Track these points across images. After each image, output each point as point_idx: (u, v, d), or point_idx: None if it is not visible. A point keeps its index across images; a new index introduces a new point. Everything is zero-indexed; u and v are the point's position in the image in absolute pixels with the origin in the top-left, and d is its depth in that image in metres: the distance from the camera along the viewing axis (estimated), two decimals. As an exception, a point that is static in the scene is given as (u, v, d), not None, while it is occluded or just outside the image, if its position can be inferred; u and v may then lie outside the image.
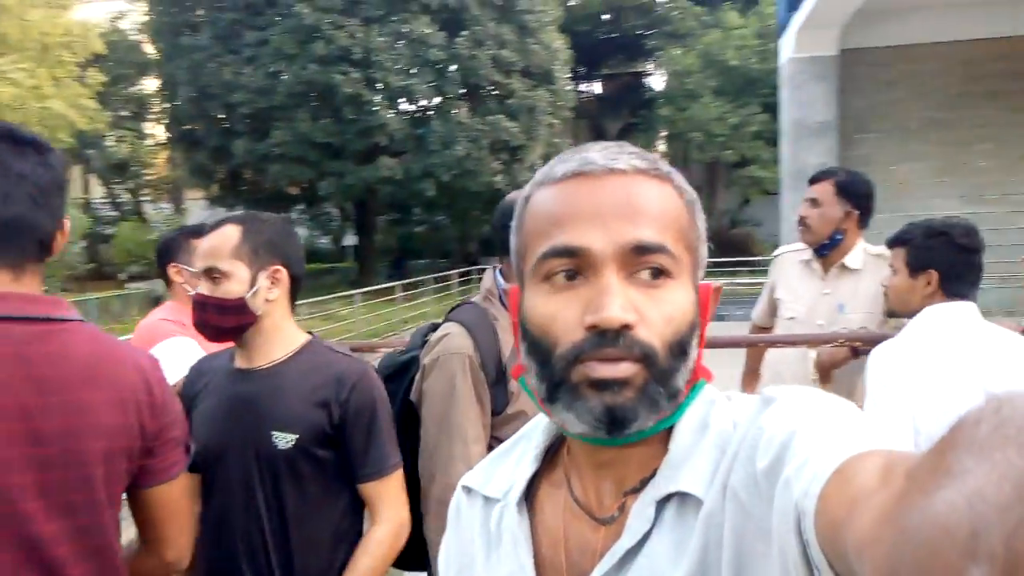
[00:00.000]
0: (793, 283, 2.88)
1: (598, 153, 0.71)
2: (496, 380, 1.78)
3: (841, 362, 2.58)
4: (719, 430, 0.70)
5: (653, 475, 0.71)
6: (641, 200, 0.68)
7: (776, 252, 3.06)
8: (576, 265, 0.68)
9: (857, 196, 2.73)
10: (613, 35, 30.45)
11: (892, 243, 2.25)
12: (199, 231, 2.45)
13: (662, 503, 0.69)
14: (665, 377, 0.67)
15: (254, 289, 1.66)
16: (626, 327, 0.65)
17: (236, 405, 1.68)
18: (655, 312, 0.67)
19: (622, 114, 31.15)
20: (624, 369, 0.65)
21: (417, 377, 1.84)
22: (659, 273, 0.67)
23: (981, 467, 0.34)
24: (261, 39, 20.41)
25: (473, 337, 1.77)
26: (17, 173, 1.20)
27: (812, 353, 2.64)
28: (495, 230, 1.82)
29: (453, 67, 21.07)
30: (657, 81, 30.92)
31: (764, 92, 23.25)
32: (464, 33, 20.78)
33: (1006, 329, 2.03)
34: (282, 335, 1.73)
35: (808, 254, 2.85)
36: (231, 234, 1.67)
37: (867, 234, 2.83)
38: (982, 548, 0.31)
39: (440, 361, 1.77)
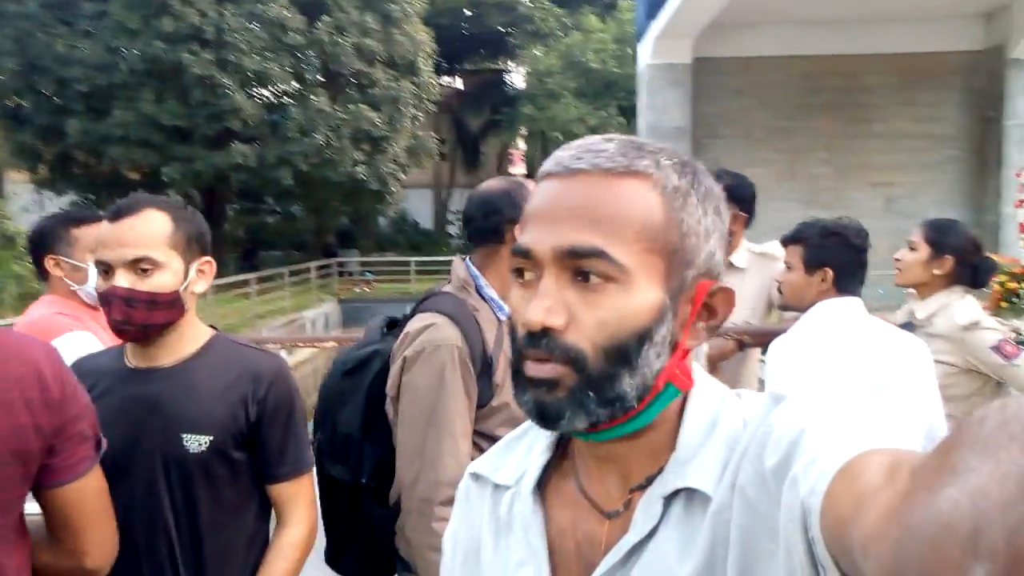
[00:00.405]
0: None
1: (570, 152, 0.71)
2: (481, 372, 1.72)
3: (728, 354, 2.73)
4: (729, 428, 0.70)
5: (660, 472, 0.71)
6: (591, 202, 0.68)
7: None
8: (528, 265, 0.70)
9: (744, 199, 2.83)
10: (475, 31, 30.54)
11: (788, 241, 2.35)
12: (81, 219, 2.26)
13: (669, 499, 0.69)
14: (597, 382, 0.67)
15: (187, 282, 1.54)
16: (549, 329, 0.66)
17: (136, 408, 1.52)
18: (588, 317, 0.67)
19: (484, 110, 31.32)
20: (549, 370, 0.67)
21: (394, 371, 1.72)
22: (598, 277, 0.67)
23: (985, 465, 0.35)
24: (99, 11, 18.93)
25: (460, 328, 1.69)
26: None
27: (704, 347, 2.73)
28: (471, 220, 1.80)
29: (313, 53, 20.40)
30: (519, 79, 31.31)
31: (621, 95, 24.08)
32: (325, 19, 20.16)
33: (886, 323, 2.16)
34: (192, 331, 1.60)
35: None
36: (160, 221, 1.51)
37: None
38: (984, 545, 0.32)
39: (426, 353, 1.67)
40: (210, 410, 1.53)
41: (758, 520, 0.61)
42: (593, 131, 24.20)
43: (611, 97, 24.63)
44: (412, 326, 1.72)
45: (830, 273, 2.21)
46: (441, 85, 27.49)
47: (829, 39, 10.79)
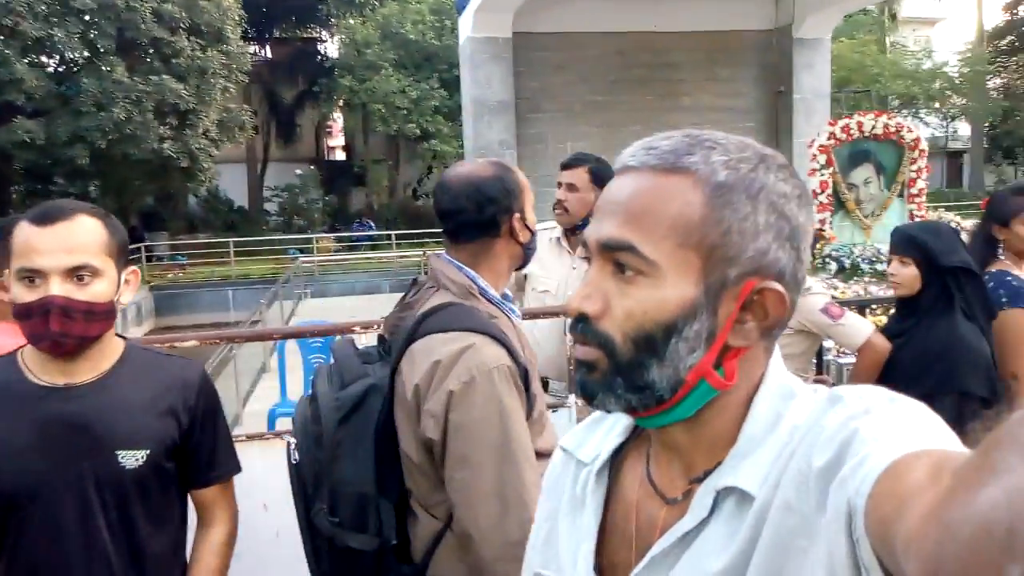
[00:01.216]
0: (545, 259, 3.10)
1: (632, 148, 0.75)
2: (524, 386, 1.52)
3: None
4: (788, 427, 0.69)
5: (718, 465, 0.72)
6: (630, 198, 0.72)
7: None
8: (589, 254, 0.75)
9: (608, 181, 3.00)
10: (284, -3, 29.16)
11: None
12: None
13: (721, 494, 0.70)
14: (626, 368, 0.70)
15: (120, 292, 1.46)
16: (585, 315, 0.72)
17: (58, 430, 1.41)
18: (619, 306, 0.71)
19: (297, 82, 30.09)
20: (585, 352, 0.73)
21: (435, 409, 1.43)
22: (631, 270, 0.70)
23: None
24: None
25: (503, 344, 1.46)
26: None
27: (569, 321, 2.89)
28: (460, 211, 1.56)
29: (105, 18, 18.63)
30: (333, 49, 30.31)
31: (442, 68, 23.99)
32: (117, -19, 18.48)
33: None
34: (112, 343, 1.51)
35: (558, 232, 3.12)
36: (95, 227, 1.41)
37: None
38: (1020, 546, 0.32)
39: (478, 383, 1.41)
40: (144, 423, 1.49)
41: (793, 519, 0.62)
42: (415, 104, 24.02)
43: (432, 69, 24.47)
44: (440, 351, 1.44)
45: None
46: (251, 55, 26.05)
47: (640, 16, 11.33)
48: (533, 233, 1.64)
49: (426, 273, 1.67)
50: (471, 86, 11.48)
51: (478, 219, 1.56)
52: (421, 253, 19.79)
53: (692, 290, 0.69)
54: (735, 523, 0.68)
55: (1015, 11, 30.10)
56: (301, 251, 22.71)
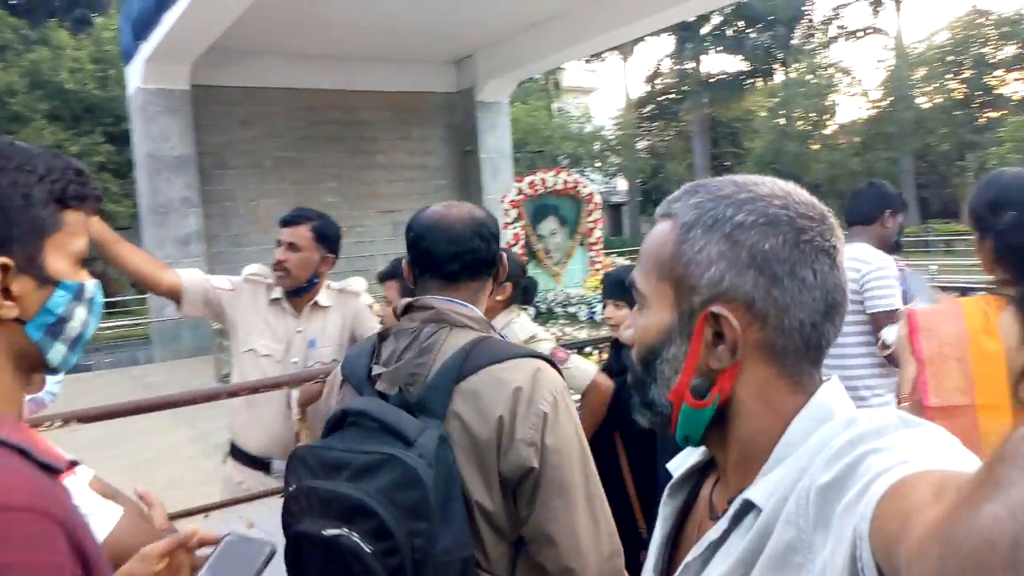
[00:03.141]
0: (268, 319, 2.79)
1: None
2: None
3: (316, 396, 2.59)
4: (811, 446, 0.70)
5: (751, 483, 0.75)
6: (643, 243, 0.83)
7: (246, 272, 2.87)
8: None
9: (332, 240, 2.77)
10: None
11: (385, 277, 2.41)
12: None
13: (742, 506, 0.72)
14: (638, 387, 0.81)
15: None
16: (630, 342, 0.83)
17: None
18: (634, 334, 0.82)
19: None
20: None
21: (528, 436, 1.35)
22: (639, 302, 0.82)
23: None
24: None
25: (556, 369, 1.46)
26: None
27: (295, 393, 2.58)
28: (471, 251, 1.49)
29: None
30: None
31: (107, 121, 21.75)
32: None
33: None
34: None
35: (279, 292, 2.79)
36: None
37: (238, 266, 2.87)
38: (1023, 560, 0.33)
39: (559, 404, 1.39)
40: None
41: (790, 532, 0.64)
42: (79, 158, 21.42)
43: (95, 123, 22.09)
44: (515, 378, 1.38)
45: (510, 288, 2.30)
46: None
47: (329, 74, 11.21)
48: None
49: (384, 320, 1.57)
50: (144, 140, 10.46)
51: (486, 257, 1.52)
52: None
53: (668, 317, 0.77)
54: (747, 534, 0.71)
55: (654, 83, 35.10)
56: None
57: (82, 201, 0.85)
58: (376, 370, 1.45)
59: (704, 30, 29.74)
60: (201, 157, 10.55)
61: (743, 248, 0.73)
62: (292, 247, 2.69)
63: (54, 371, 0.88)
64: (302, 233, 2.70)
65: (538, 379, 1.39)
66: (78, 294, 0.86)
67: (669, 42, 31.62)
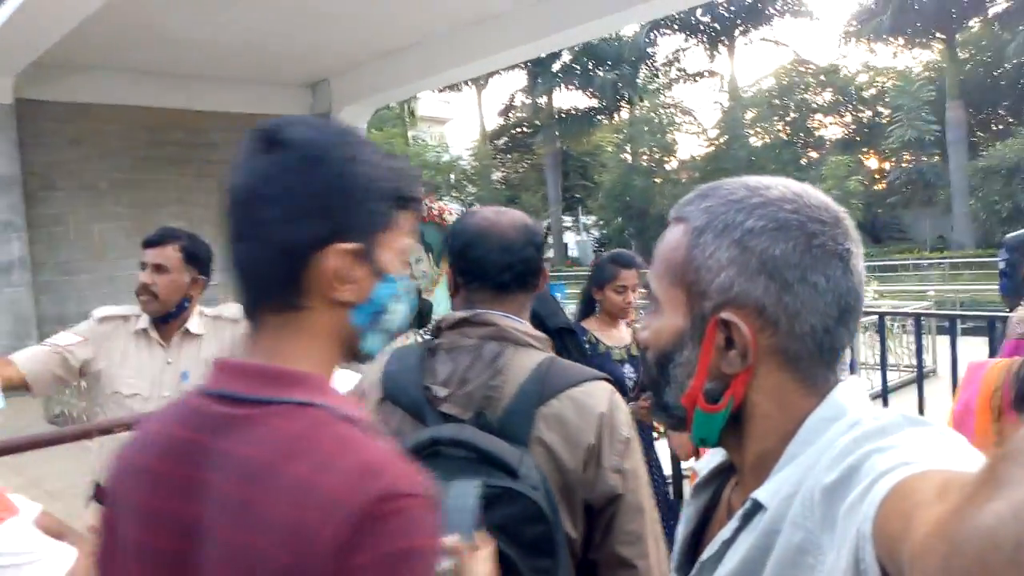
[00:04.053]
0: (130, 356, 2.54)
1: None
2: None
3: None
4: (819, 445, 0.70)
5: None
6: (657, 247, 0.83)
7: (98, 315, 2.61)
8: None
9: (203, 261, 2.60)
10: None
11: None
12: None
13: (751, 506, 0.73)
14: (654, 388, 0.82)
15: None
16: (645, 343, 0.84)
17: None
18: (647, 336, 0.83)
19: None
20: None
21: (618, 462, 1.33)
22: (652, 305, 0.82)
23: None
24: None
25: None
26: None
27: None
28: (526, 260, 1.42)
29: None
30: None
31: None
32: None
33: None
34: None
35: (144, 322, 2.55)
36: None
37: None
38: None
39: (632, 426, 1.38)
40: None
41: (799, 535, 0.65)
42: None
43: None
44: (598, 403, 1.34)
45: None
46: None
47: (172, 92, 10.65)
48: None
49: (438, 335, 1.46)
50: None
51: (537, 267, 1.46)
52: None
53: (681, 322, 0.78)
54: (752, 535, 0.72)
55: (508, 116, 35.89)
56: None
57: (415, 203, 0.89)
58: (437, 391, 1.35)
59: (555, 66, 30.80)
60: (26, 177, 9.69)
61: (753, 254, 0.74)
62: (159, 269, 2.49)
63: (363, 359, 0.92)
64: (169, 253, 2.51)
65: (614, 403, 1.36)
66: (400, 290, 0.89)
67: (522, 76, 32.50)
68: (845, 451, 0.62)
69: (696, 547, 0.88)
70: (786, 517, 0.68)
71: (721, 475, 0.91)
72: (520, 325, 1.43)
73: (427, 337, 1.51)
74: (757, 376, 0.75)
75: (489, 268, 1.42)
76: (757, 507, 0.72)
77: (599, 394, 1.35)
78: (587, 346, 3.02)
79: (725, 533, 0.76)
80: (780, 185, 0.77)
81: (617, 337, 3.19)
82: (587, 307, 3.26)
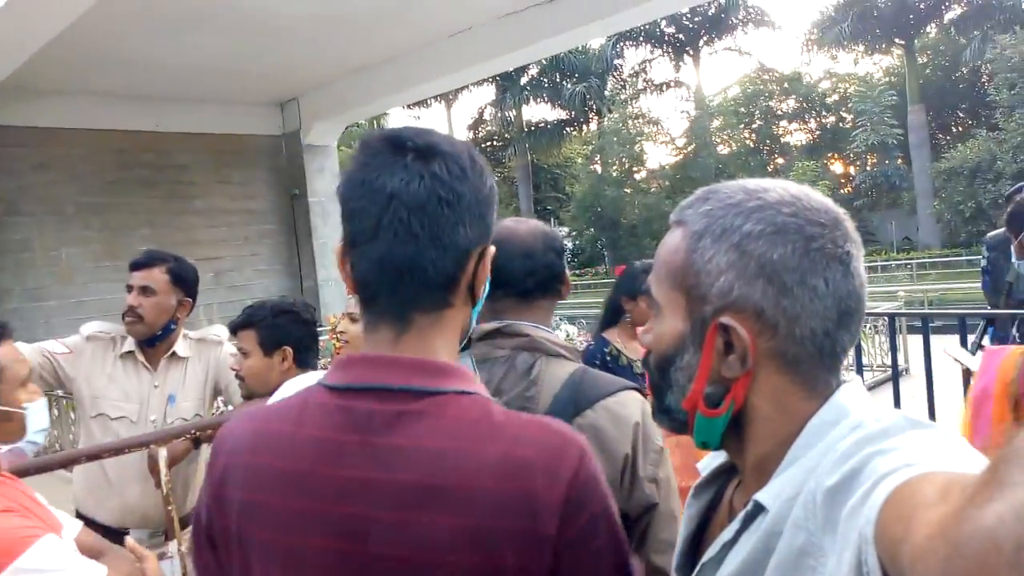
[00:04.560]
0: (118, 379, 2.53)
1: None
2: None
3: (182, 455, 2.42)
4: (820, 447, 0.70)
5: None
6: (658, 250, 0.84)
7: (86, 332, 2.60)
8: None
9: (189, 283, 2.60)
10: None
11: (238, 327, 2.23)
12: None
13: (752, 507, 0.73)
14: (655, 392, 0.83)
15: None
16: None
17: None
18: (649, 339, 0.84)
19: None
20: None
21: (653, 472, 1.35)
22: (653, 309, 0.82)
23: None
24: None
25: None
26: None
27: (163, 451, 2.32)
28: (549, 266, 1.45)
29: None
30: None
31: None
32: None
33: None
34: None
35: (130, 344, 2.54)
36: None
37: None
38: None
39: (663, 435, 1.39)
40: None
41: (801, 537, 0.65)
42: None
43: None
44: (632, 413, 1.35)
45: (289, 351, 2.20)
46: None
47: (139, 115, 10.54)
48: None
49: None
50: (-80, 185, 9.32)
51: (559, 272, 1.48)
52: None
53: (681, 326, 0.78)
54: (754, 537, 0.72)
55: (478, 131, 36.00)
56: None
57: None
58: None
59: (523, 80, 30.98)
60: (-7, 202, 9.54)
61: (751, 258, 0.73)
62: (146, 291, 2.48)
63: (464, 348, 0.98)
64: (157, 276, 2.50)
65: (647, 413, 1.35)
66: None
67: (491, 91, 32.64)
68: (847, 454, 0.62)
69: (697, 548, 0.87)
70: (787, 519, 0.67)
71: (722, 476, 0.90)
72: (550, 335, 1.44)
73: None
74: (757, 380, 0.75)
75: (512, 275, 1.41)
76: (759, 509, 0.72)
77: (632, 404, 1.36)
78: (608, 358, 2.94)
79: (726, 535, 0.76)
80: (779, 188, 0.77)
81: (641, 350, 3.14)
82: (613, 317, 3.08)
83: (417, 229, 0.85)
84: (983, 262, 3.14)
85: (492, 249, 0.93)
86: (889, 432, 0.61)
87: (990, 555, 0.35)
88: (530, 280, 1.43)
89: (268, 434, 0.87)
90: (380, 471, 0.81)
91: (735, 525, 0.75)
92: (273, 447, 0.85)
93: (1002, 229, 3.38)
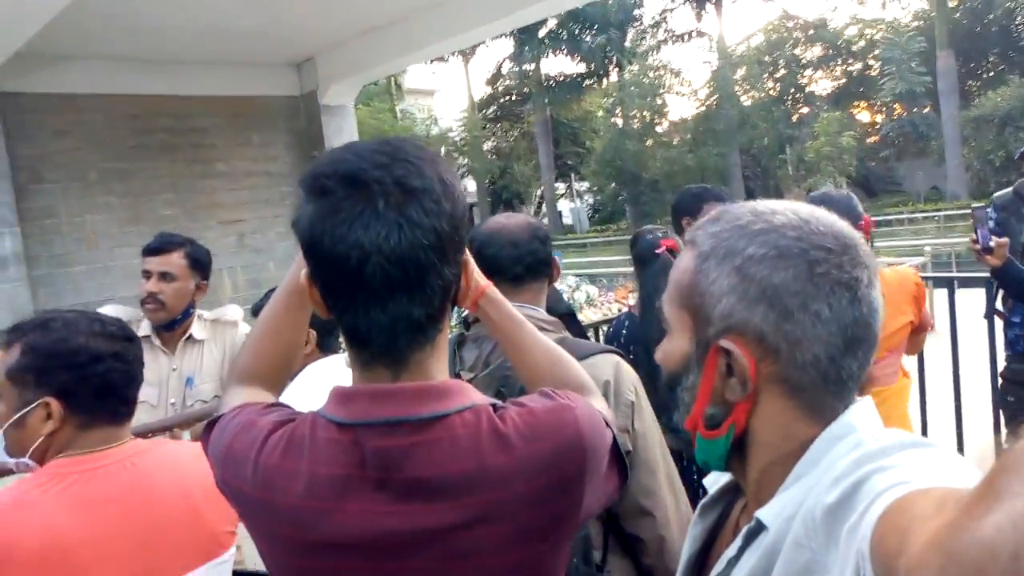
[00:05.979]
0: None
1: None
2: None
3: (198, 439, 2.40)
4: (823, 467, 0.70)
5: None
6: (672, 269, 0.83)
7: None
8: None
9: (205, 265, 2.62)
10: None
11: (259, 310, 2.22)
12: None
13: (755, 527, 0.73)
14: (664, 410, 0.84)
15: None
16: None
17: None
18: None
19: None
20: None
21: (623, 423, 1.50)
22: (666, 327, 0.82)
23: None
24: None
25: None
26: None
27: (187, 435, 2.38)
28: (532, 252, 1.63)
29: None
30: None
31: None
32: None
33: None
34: None
35: (146, 329, 2.54)
36: None
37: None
38: None
39: (640, 392, 1.53)
40: None
41: (803, 556, 0.64)
42: None
43: None
44: (603, 372, 1.50)
45: (313, 335, 2.20)
46: None
47: (158, 79, 10.55)
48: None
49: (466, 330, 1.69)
50: (-56, 155, 9.41)
51: (544, 258, 1.64)
52: None
53: (687, 346, 0.78)
54: (755, 555, 0.72)
55: (496, 86, 35.58)
56: None
57: None
58: (465, 376, 1.56)
59: (541, 33, 30.47)
60: (15, 172, 9.64)
61: (753, 281, 0.73)
62: (165, 277, 2.49)
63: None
64: (176, 260, 2.51)
65: (620, 371, 1.53)
66: None
67: (508, 44, 32.20)
68: (846, 472, 0.61)
69: (702, 567, 0.88)
70: (787, 537, 0.67)
71: (728, 495, 0.91)
72: (535, 312, 1.60)
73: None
74: (759, 404, 0.74)
75: (503, 263, 1.60)
76: (761, 527, 0.72)
77: (604, 365, 1.52)
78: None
79: (730, 551, 0.76)
80: (788, 211, 0.75)
81: None
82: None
83: (402, 282, 0.82)
84: (990, 223, 3.05)
85: (470, 257, 0.92)
86: (888, 451, 0.61)
87: (986, 565, 0.35)
88: (519, 266, 1.62)
89: (282, 473, 0.85)
90: (413, 503, 0.82)
91: (738, 542, 0.75)
92: (274, 482, 0.86)
93: (1010, 189, 3.29)
